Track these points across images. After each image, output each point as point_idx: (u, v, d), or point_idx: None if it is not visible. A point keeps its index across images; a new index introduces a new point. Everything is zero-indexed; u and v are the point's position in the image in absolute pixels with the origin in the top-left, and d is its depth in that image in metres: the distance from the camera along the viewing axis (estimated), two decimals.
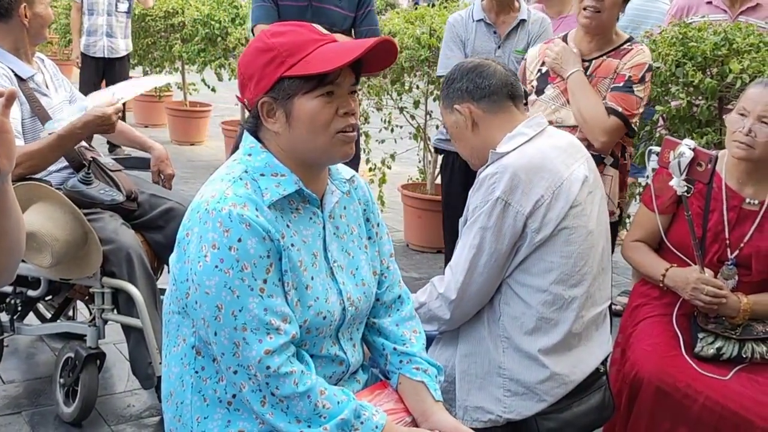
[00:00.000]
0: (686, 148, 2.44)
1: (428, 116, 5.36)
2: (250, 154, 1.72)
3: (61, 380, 2.98)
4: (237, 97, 1.79)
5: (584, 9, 2.87)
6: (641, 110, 2.93)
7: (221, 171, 1.73)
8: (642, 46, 2.97)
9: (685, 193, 2.50)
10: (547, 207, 2.09)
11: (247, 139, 1.74)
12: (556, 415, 2.15)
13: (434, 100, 5.04)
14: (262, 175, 1.69)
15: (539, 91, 3.01)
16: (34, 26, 2.99)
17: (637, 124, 2.99)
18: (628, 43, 2.97)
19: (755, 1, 3.97)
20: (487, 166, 2.15)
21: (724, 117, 2.78)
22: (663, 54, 3.21)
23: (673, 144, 2.50)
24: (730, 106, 3.14)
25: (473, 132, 2.22)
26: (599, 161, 2.92)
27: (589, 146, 2.86)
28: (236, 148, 1.78)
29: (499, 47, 3.54)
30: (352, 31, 3.55)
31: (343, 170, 1.89)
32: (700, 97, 3.20)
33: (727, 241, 2.58)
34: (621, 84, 2.87)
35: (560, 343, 2.14)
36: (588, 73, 2.93)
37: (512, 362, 2.14)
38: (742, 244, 2.58)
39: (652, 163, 2.64)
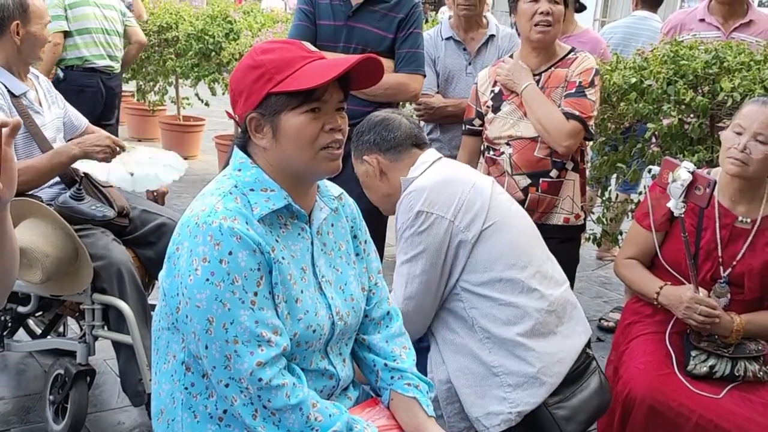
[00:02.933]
0: (685, 171, 2.45)
1: None
2: (240, 169, 1.74)
3: (51, 397, 2.96)
4: (227, 112, 1.81)
5: (536, 25, 2.95)
6: (596, 113, 3.01)
7: (211, 186, 1.74)
8: (585, 54, 3.06)
9: (682, 215, 2.50)
10: (467, 205, 2.23)
11: (237, 155, 1.76)
12: (564, 403, 2.21)
13: None
14: (252, 189, 1.71)
15: (495, 109, 3.08)
16: (26, 45, 2.97)
17: (593, 127, 3.05)
18: (572, 53, 3.05)
19: (748, 17, 4.00)
20: (402, 196, 2.29)
21: (717, 134, 2.79)
22: (654, 72, 3.22)
23: (672, 165, 2.50)
24: (722, 124, 3.16)
25: (381, 180, 2.37)
26: (561, 167, 2.99)
27: (553, 153, 2.93)
28: (227, 163, 1.80)
29: (470, 64, 3.58)
30: (395, 54, 3.35)
31: (331, 187, 1.92)
32: (691, 115, 3.21)
33: (720, 259, 2.59)
34: (573, 90, 2.95)
35: (539, 325, 2.21)
36: (540, 86, 3.00)
37: (501, 357, 2.19)
38: (734, 263, 2.58)
39: (647, 181, 2.65)
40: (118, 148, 2.94)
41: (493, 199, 2.28)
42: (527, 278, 2.23)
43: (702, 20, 4.11)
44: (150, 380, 2.72)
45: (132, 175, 3.06)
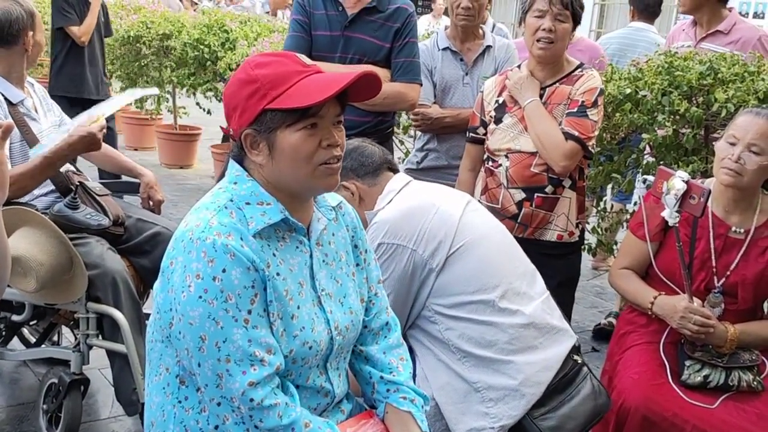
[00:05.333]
0: (680, 180, 2.45)
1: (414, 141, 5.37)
2: (235, 183, 1.71)
3: (45, 406, 2.95)
4: (221, 127, 1.78)
5: (537, 41, 2.94)
6: (597, 133, 3.00)
7: (206, 199, 1.72)
8: (592, 71, 3.04)
9: (676, 224, 2.50)
10: (430, 234, 2.22)
11: (233, 167, 1.74)
12: (552, 413, 2.20)
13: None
14: (248, 203, 1.68)
15: (497, 120, 3.08)
16: (33, 53, 3.00)
17: (594, 146, 3.05)
18: (579, 69, 3.04)
19: (714, 28, 4.09)
20: (367, 229, 2.28)
21: (711, 145, 2.80)
22: (649, 83, 3.23)
23: (666, 174, 2.50)
24: (716, 135, 3.17)
25: (360, 206, 2.36)
26: (558, 184, 2.98)
27: (549, 170, 2.93)
28: (223, 175, 1.78)
29: (466, 74, 3.59)
30: (392, 63, 3.36)
31: (329, 197, 1.89)
32: (686, 126, 3.21)
33: (714, 269, 2.59)
34: (575, 109, 2.94)
35: (516, 340, 2.21)
36: (543, 100, 3.00)
37: (481, 373, 2.19)
38: (728, 272, 2.59)
39: (640, 191, 2.66)
40: (103, 130, 2.89)
41: (462, 220, 2.27)
42: (497, 299, 2.22)
43: (684, 31, 4.21)
44: (144, 390, 2.72)
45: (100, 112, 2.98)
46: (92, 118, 2.90)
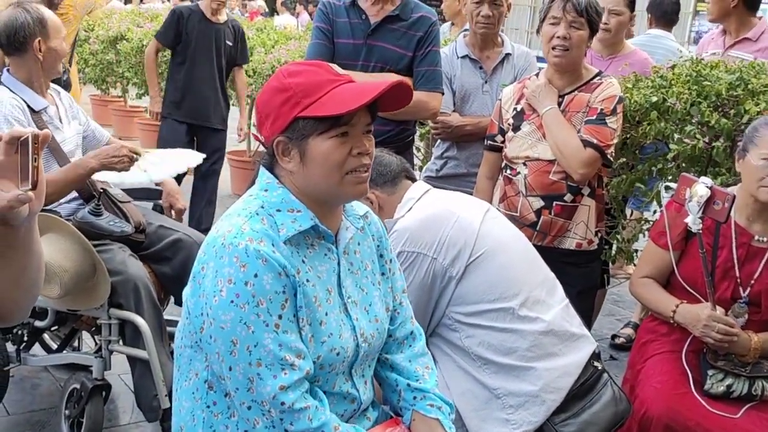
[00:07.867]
0: (703, 186, 2.44)
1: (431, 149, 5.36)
2: (266, 190, 1.74)
3: (67, 411, 2.97)
4: (254, 135, 1.81)
5: (553, 48, 2.95)
6: (615, 141, 2.99)
7: (238, 206, 1.74)
8: (611, 79, 3.04)
9: (699, 231, 2.49)
10: (450, 242, 2.23)
11: (264, 175, 1.76)
12: (573, 419, 2.20)
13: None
14: (279, 210, 1.71)
15: (515, 128, 3.08)
16: (48, 60, 3.00)
17: (613, 154, 3.04)
18: (598, 77, 3.04)
19: (742, 35, 4.12)
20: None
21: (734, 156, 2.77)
22: (677, 92, 3.18)
23: (689, 181, 2.50)
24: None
25: (380, 215, 2.34)
26: (576, 192, 2.98)
27: (568, 178, 2.92)
28: (253, 182, 1.80)
29: (486, 82, 3.60)
30: (413, 72, 3.32)
31: (357, 206, 1.91)
32: (714, 137, 3.16)
33: (738, 279, 2.58)
34: (594, 117, 2.94)
35: (536, 347, 2.21)
36: (561, 108, 3.00)
37: (501, 380, 2.19)
38: (752, 282, 2.57)
39: (664, 200, 2.65)
40: (135, 156, 2.96)
41: (482, 228, 2.27)
42: (517, 307, 2.23)
43: (713, 39, 4.20)
44: (165, 395, 2.74)
45: (146, 171, 3.11)
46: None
